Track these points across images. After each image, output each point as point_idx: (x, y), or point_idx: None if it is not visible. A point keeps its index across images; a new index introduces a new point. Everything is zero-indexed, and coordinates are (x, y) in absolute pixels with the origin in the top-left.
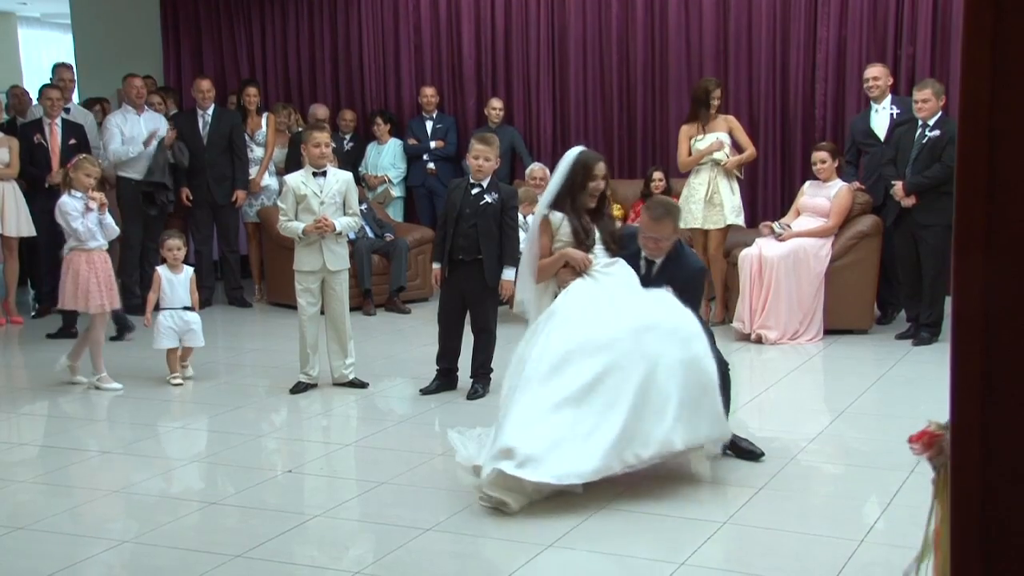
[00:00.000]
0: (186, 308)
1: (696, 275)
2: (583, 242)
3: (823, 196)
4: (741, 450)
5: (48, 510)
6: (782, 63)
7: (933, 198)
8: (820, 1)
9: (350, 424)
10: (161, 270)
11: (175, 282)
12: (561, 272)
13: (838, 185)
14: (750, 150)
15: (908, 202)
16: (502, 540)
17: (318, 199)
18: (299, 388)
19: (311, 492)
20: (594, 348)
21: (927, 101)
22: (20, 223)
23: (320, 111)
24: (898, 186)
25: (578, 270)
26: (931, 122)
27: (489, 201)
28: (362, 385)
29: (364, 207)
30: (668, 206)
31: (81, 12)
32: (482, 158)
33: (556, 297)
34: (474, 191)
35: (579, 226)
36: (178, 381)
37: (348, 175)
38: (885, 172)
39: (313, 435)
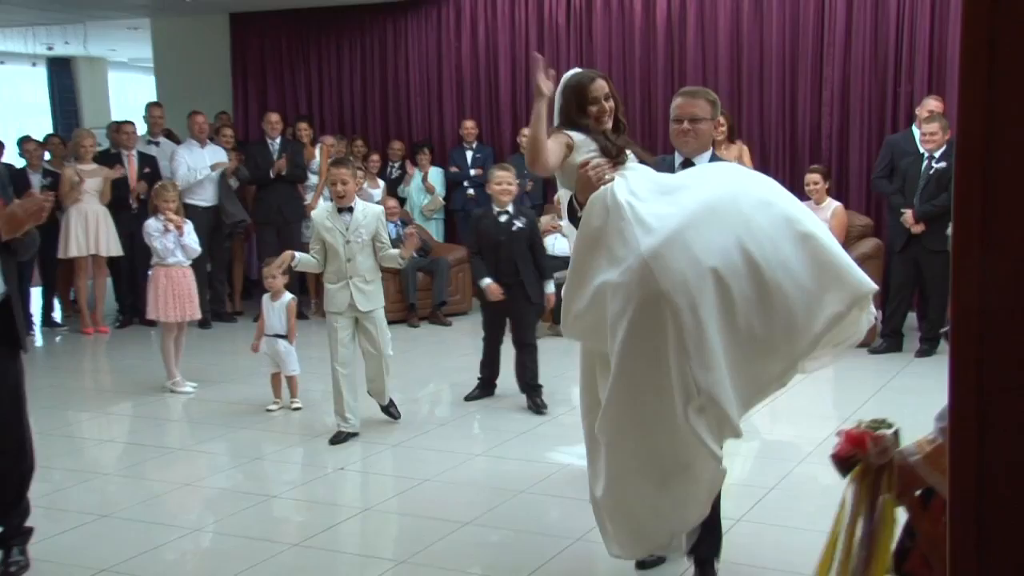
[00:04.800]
0: (277, 335)
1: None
2: (614, 157)
3: (819, 218)
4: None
5: (129, 500)
6: (791, 100)
7: (943, 225)
8: (826, 43)
9: (396, 426)
10: (265, 297)
11: (270, 309)
12: (581, 177)
13: (832, 206)
14: None
15: (917, 228)
16: (534, 533)
17: (343, 237)
18: (339, 438)
19: (360, 488)
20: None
21: (934, 134)
22: (110, 244)
23: (326, 139)
24: (908, 214)
25: (603, 177)
26: (937, 154)
27: (521, 227)
28: (395, 416)
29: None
30: (698, 88)
31: (162, 57)
32: (505, 183)
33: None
34: (502, 218)
35: (606, 143)
36: (271, 408)
37: (379, 209)
38: (893, 201)
39: (361, 436)
